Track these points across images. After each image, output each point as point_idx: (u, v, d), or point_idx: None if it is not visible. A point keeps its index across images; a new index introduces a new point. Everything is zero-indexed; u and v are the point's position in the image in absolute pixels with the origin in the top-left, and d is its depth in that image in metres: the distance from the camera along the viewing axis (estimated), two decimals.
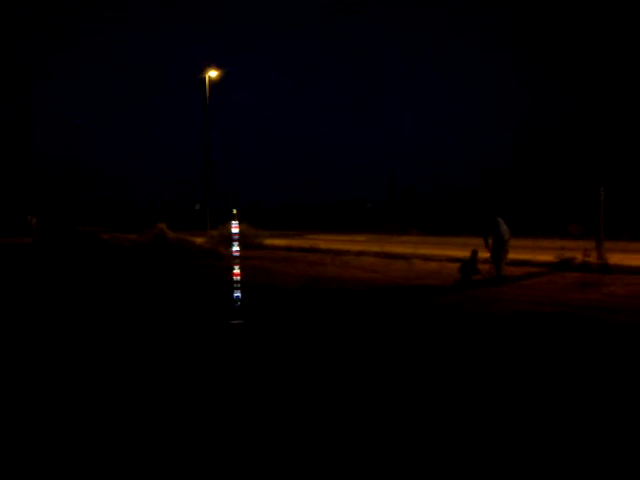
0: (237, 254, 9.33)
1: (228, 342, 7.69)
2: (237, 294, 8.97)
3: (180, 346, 7.43)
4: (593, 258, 14.50)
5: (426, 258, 17.08)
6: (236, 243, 9.42)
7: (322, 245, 22.66)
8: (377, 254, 18.87)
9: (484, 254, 13.17)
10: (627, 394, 5.35)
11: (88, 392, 5.65)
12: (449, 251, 18.11)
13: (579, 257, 14.41)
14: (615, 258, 14.47)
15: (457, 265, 13.85)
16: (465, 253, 13.95)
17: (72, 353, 7.22)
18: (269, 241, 24.95)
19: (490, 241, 12.95)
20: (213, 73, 30.37)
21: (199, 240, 24.22)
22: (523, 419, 4.74)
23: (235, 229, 9.52)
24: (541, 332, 7.97)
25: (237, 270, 9.09)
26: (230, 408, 5.13)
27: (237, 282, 9.01)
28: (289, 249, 22.76)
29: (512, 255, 13.81)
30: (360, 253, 19.49)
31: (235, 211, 9.56)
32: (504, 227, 12.97)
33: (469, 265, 13.04)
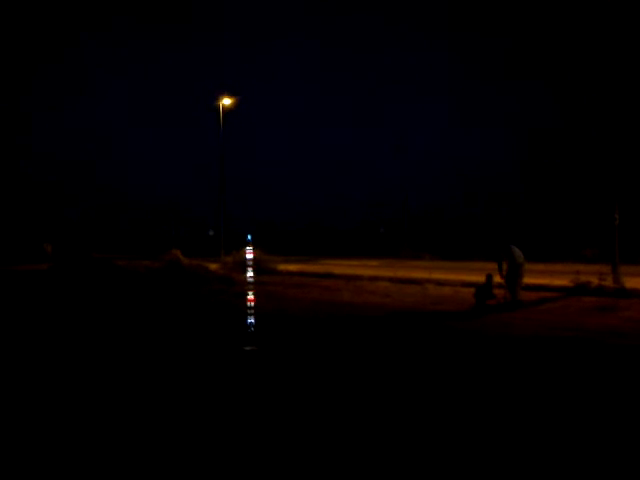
0: (251, 280, 9.37)
1: (241, 369, 7.69)
2: (251, 320, 8.98)
3: (193, 373, 7.44)
4: (609, 282, 14.37)
5: (440, 283, 17.02)
6: (250, 269, 9.46)
7: (336, 270, 22.66)
8: (390, 279, 18.83)
9: (498, 279, 13.11)
10: (634, 418, 5.28)
11: (108, 413, 5.66)
12: (463, 276, 18.03)
13: (595, 281, 14.29)
14: (631, 282, 14.34)
15: (471, 290, 13.77)
16: (479, 278, 13.88)
17: (88, 377, 7.24)
18: (283, 266, 25.00)
19: (505, 266, 12.90)
20: (227, 101, 30.81)
21: (213, 266, 24.33)
22: (531, 436, 4.70)
23: (249, 255, 9.57)
24: (556, 356, 7.90)
25: (251, 296, 9.12)
26: (241, 431, 5.12)
27: (251, 308, 9.03)
28: (303, 274, 22.78)
29: (527, 280, 13.73)
30: (373, 278, 19.46)
31: (250, 237, 9.61)
32: (518, 252, 12.91)
33: (484, 290, 12.96)
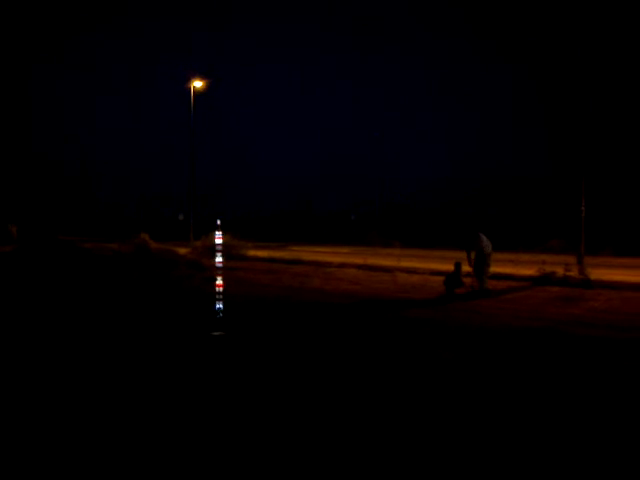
0: (220, 265, 9.29)
1: (208, 354, 7.62)
2: (219, 305, 8.91)
3: (159, 358, 7.35)
4: (574, 273, 14.62)
5: (409, 271, 17.12)
6: (219, 254, 9.37)
7: (305, 257, 22.63)
8: (360, 266, 18.88)
9: (467, 267, 13.23)
10: (593, 407, 5.38)
11: (78, 401, 5.56)
12: (433, 264, 18.16)
13: (560, 272, 14.52)
14: (596, 273, 14.60)
15: (441, 278, 13.88)
16: (448, 266, 14.00)
17: (54, 364, 7.11)
18: (252, 252, 24.87)
19: (472, 255, 13.02)
20: (198, 83, 30.36)
21: (182, 251, 24.08)
22: (497, 425, 4.75)
23: (219, 240, 9.48)
24: (520, 346, 8.01)
25: (220, 281, 9.04)
26: (208, 415, 5.07)
27: (219, 293, 8.96)
28: (272, 260, 22.70)
29: (494, 269, 13.89)
30: (343, 265, 19.49)
31: (219, 222, 9.52)
32: (486, 241, 13.04)
33: (453, 278, 13.07)
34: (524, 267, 16.23)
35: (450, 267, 13.60)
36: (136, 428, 4.92)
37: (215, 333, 8.53)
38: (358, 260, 20.35)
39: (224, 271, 9.34)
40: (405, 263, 18.36)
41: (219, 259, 9.32)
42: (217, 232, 9.47)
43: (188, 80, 30.32)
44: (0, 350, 7.92)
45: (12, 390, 6.08)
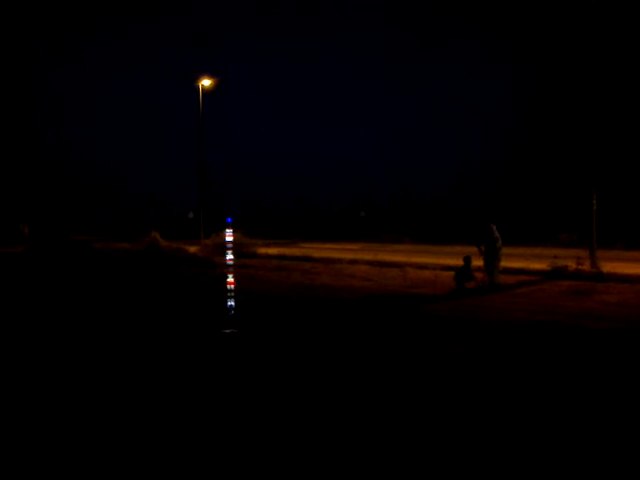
0: (231, 263, 9.30)
1: (220, 351, 7.64)
2: (230, 303, 8.93)
3: (170, 355, 7.38)
4: (586, 266, 14.52)
5: (420, 266, 17.06)
6: (230, 252, 9.39)
7: (316, 254, 22.61)
8: (371, 262, 18.84)
9: (478, 262, 13.17)
10: (605, 402, 5.34)
11: (90, 397, 5.60)
12: (443, 260, 18.08)
13: (572, 265, 14.43)
14: (608, 266, 14.50)
15: (451, 273, 13.83)
16: (459, 262, 13.94)
17: (69, 362, 7.16)
18: (263, 249, 24.88)
19: (483, 248, 12.97)
20: (206, 82, 30.36)
21: (193, 249, 24.14)
22: (510, 420, 4.73)
23: (229, 237, 9.50)
24: (532, 340, 7.97)
25: (231, 279, 9.06)
26: (220, 415, 5.09)
27: (231, 291, 8.98)
28: (283, 258, 22.69)
29: (505, 263, 13.82)
30: (354, 261, 19.45)
31: (229, 220, 9.53)
32: (497, 234, 13.00)
33: (463, 272, 13.01)
34: (535, 261, 16.15)
35: (460, 262, 13.54)
36: (141, 424, 4.95)
37: (227, 330, 8.56)
38: (368, 256, 20.30)
39: (235, 269, 9.36)
40: (416, 258, 18.30)
41: (230, 256, 9.34)
42: (227, 230, 9.49)
43: (196, 79, 30.36)
44: (18, 344, 8.00)
45: (23, 380, 6.13)
